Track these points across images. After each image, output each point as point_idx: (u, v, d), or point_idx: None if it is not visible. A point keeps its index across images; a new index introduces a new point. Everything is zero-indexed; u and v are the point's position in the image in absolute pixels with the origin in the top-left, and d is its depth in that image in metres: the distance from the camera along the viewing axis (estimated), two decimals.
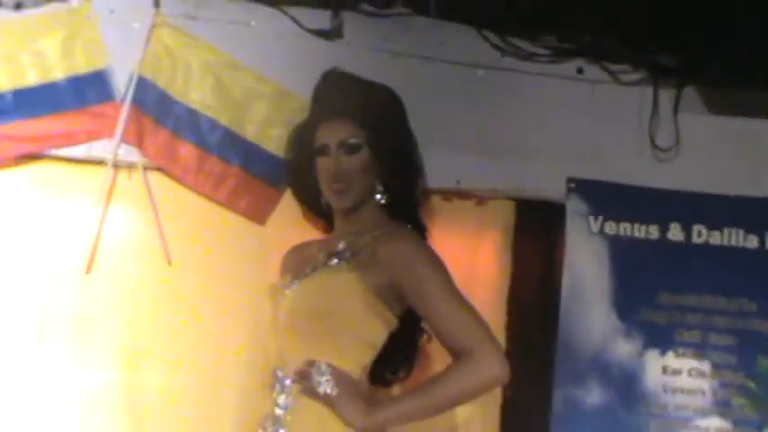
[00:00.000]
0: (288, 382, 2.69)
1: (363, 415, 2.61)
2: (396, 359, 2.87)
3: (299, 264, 2.84)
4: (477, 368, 2.59)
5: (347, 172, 2.76)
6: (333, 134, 2.78)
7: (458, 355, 2.63)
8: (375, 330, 2.70)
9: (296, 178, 3.00)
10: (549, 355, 3.30)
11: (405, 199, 2.85)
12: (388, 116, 2.85)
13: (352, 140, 2.76)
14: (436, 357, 2.81)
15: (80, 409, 3.04)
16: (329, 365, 2.63)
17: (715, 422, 3.28)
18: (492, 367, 2.59)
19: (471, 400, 2.73)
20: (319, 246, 2.87)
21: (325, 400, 2.62)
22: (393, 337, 2.77)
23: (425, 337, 2.87)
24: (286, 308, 2.74)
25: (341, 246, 2.75)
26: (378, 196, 2.81)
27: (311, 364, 2.64)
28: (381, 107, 2.85)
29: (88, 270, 3.05)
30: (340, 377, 2.63)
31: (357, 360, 2.70)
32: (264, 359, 2.82)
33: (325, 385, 2.61)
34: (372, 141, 2.78)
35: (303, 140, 2.90)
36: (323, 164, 2.79)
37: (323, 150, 2.79)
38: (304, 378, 2.64)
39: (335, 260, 2.73)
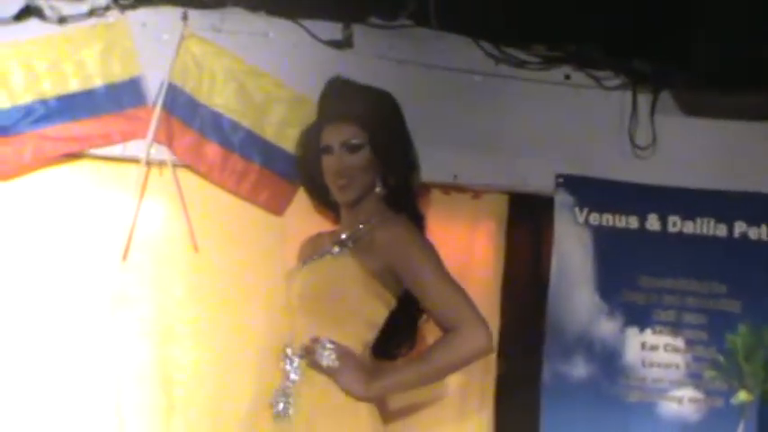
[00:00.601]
0: (296, 358, 2.82)
1: (363, 385, 2.77)
2: (398, 336, 3.00)
3: (311, 251, 3.00)
4: (464, 340, 2.74)
5: (349, 169, 2.89)
6: (336, 135, 2.91)
7: (447, 329, 2.77)
8: (375, 310, 2.85)
9: (306, 175, 3.12)
10: (539, 333, 3.41)
11: (402, 192, 2.97)
12: (386, 118, 2.97)
13: (354, 141, 2.89)
14: (436, 333, 2.87)
15: (117, 379, 3.11)
16: (332, 341, 2.77)
17: (689, 392, 3.42)
18: (476, 339, 2.75)
19: (460, 370, 2.86)
20: (329, 236, 3.02)
21: (328, 372, 2.77)
22: (395, 316, 2.90)
23: (425, 316, 2.96)
24: (296, 290, 2.89)
25: (344, 235, 2.90)
26: (377, 190, 2.93)
27: (316, 340, 2.78)
28: (380, 110, 2.97)
29: (124, 257, 3.13)
30: (342, 351, 2.78)
31: (359, 337, 2.84)
32: (277, 336, 2.92)
33: (328, 359, 2.77)
34: (372, 141, 2.90)
35: (311, 141, 3.03)
36: (327, 162, 2.92)
37: (327, 150, 2.92)
38: (309, 353, 2.79)
39: (337, 248, 2.87)
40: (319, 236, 3.10)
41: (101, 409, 3.12)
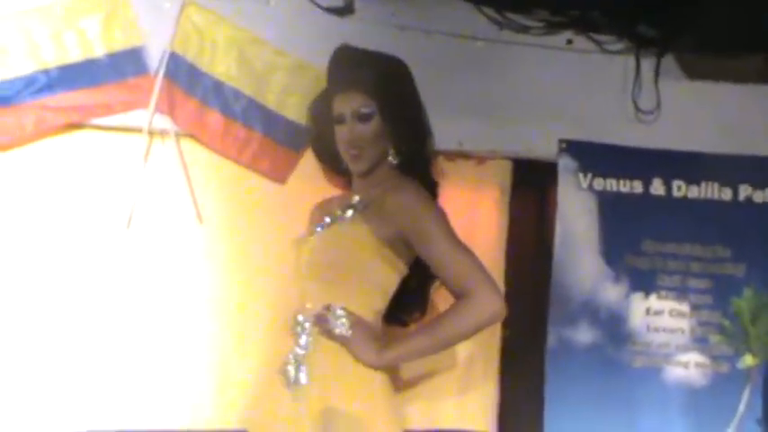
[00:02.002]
0: (308, 324, 2.78)
1: (375, 353, 2.73)
2: (409, 302, 2.97)
3: (321, 217, 2.95)
4: (477, 307, 2.69)
5: (361, 139, 2.86)
6: (347, 105, 2.87)
7: (459, 295, 2.72)
8: (385, 276, 2.81)
9: (318, 144, 3.09)
10: (543, 298, 3.39)
11: (415, 159, 2.93)
12: (396, 85, 2.92)
13: (364, 110, 2.85)
14: (448, 300, 2.83)
15: (121, 352, 3.08)
16: (344, 309, 2.74)
17: (694, 357, 3.39)
18: (490, 305, 2.70)
19: (472, 336, 2.80)
20: (339, 201, 2.97)
21: (341, 340, 2.73)
22: (407, 283, 2.87)
23: (437, 283, 2.93)
24: (306, 256, 2.84)
25: (355, 200, 2.86)
26: (390, 158, 2.89)
27: (328, 308, 2.74)
28: (390, 77, 2.92)
29: (128, 226, 3.10)
30: (354, 320, 2.74)
31: (370, 304, 2.81)
32: (287, 304, 2.88)
33: (341, 327, 2.73)
34: (383, 109, 2.86)
35: (322, 110, 2.99)
36: (340, 132, 2.89)
37: (339, 120, 2.89)
38: (322, 321, 2.75)
39: (349, 212, 2.83)
40: (330, 200, 3.06)
41: (105, 381, 3.07)
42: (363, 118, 2.84)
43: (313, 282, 2.81)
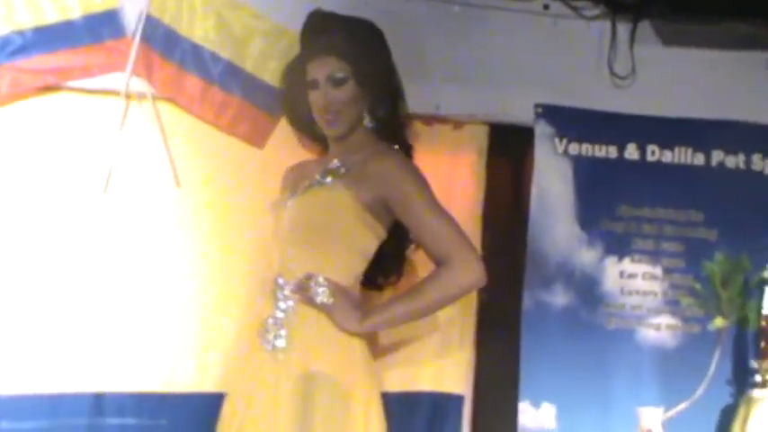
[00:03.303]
0: (287, 288, 2.76)
1: (356, 321, 2.73)
2: (387, 265, 2.96)
3: (297, 181, 2.92)
4: (457, 274, 2.70)
5: (335, 103, 2.83)
6: (320, 70, 2.84)
7: (439, 261, 2.72)
8: (366, 241, 2.79)
9: (291, 109, 3.05)
10: (519, 262, 3.36)
11: (390, 122, 2.91)
12: (369, 48, 2.89)
13: (338, 74, 2.82)
14: (424, 263, 2.85)
15: (97, 316, 3.03)
16: (325, 278, 2.72)
17: (666, 319, 3.40)
18: (470, 272, 2.71)
19: (453, 303, 2.82)
20: (315, 165, 2.95)
21: (322, 308, 2.72)
22: (384, 246, 2.85)
23: (413, 246, 2.94)
24: (286, 221, 2.81)
25: (334, 164, 2.84)
26: (365, 122, 2.87)
27: (309, 277, 2.72)
28: (362, 41, 2.88)
29: (105, 190, 3.05)
30: (335, 288, 2.73)
31: (350, 268, 2.79)
32: (266, 268, 2.86)
33: (322, 296, 2.72)
34: (357, 73, 2.83)
35: (296, 75, 2.95)
36: (314, 97, 2.86)
37: (313, 85, 2.85)
38: (303, 290, 2.73)
39: (329, 178, 2.81)
40: (304, 164, 3.03)
41: (80, 344, 3.02)
42: (337, 82, 2.81)
43: (293, 246, 2.78)
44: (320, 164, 2.93)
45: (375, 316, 2.76)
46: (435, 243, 2.73)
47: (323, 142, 3.01)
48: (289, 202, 2.85)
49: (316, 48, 2.87)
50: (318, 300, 2.72)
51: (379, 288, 3.01)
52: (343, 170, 2.81)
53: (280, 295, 2.77)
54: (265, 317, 2.78)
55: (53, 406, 3.01)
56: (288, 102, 3.05)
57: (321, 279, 2.72)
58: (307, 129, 3.03)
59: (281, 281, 2.78)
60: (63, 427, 3.03)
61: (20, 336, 2.99)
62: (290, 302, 2.75)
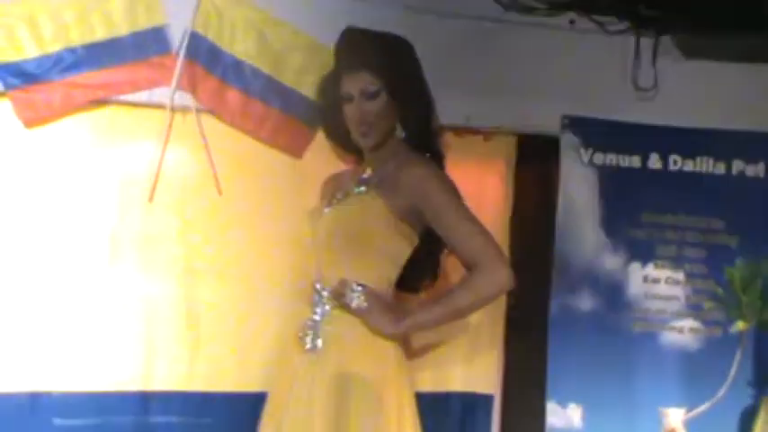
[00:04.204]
0: (325, 293, 2.82)
1: (391, 324, 2.77)
2: (421, 269, 2.98)
3: (334, 191, 2.97)
4: (487, 279, 2.74)
5: (369, 116, 2.86)
6: (354, 84, 2.88)
7: (470, 266, 2.76)
8: (398, 247, 2.84)
9: (328, 122, 3.10)
10: (547, 267, 3.42)
11: (422, 132, 2.94)
12: (400, 62, 2.93)
13: (371, 88, 2.85)
14: (458, 267, 2.86)
15: (145, 318, 3.12)
16: (359, 284, 2.77)
17: (688, 323, 3.44)
18: (499, 277, 2.74)
19: (483, 306, 2.84)
20: (351, 175, 3.00)
21: (358, 313, 2.77)
22: (418, 251, 2.88)
23: (446, 251, 2.96)
24: (323, 228, 2.86)
25: (368, 174, 2.89)
26: (397, 132, 2.90)
27: (344, 283, 2.77)
28: (394, 55, 2.92)
29: (151, 199, 3.11)
30: (369, 293, 2.77)
31: (384, 274, 2.84)
32: (304, 274, 2.90)
33: (357, 300, 2.76)
34: (388, 86, 2.86)
35: (330, 89, 3.00)
36: (349, 110, 2.90)
37: (347, 98, 2.89)
38: (338, 296, 2.78)
39: (363, 187, 2.86)
40: (342, 174, 3.09)
41: (129, 345, 3.10)
42: (370, 96, 2.85)
43: (329, 253, 2.84)
44: (355, 174, 2.98)
45: (408, 319, 2.79)
46: (466, 249, 2.77)
47: (358, 153, 3.04)
48: (325, 211, 2.90)
49: (349, 62, 2.92)
50: (354, 304, 2.76)
51: (416, 291, 3.05)
52: (376, 180, 2.86)
53: (317, 300, 2.83)
54: (305, 320, 2.84)
55: (101, 404, 3.09)
56: (324, 114, 3.10)
57: (354, 285, 2.77)
58: (342, 140, 3.06)
59: (318, 286, 2.83)
60: (111, 424, 3.10)
61: (70, 335, 3.06)
62: (327, 307, 2.81)
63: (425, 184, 2.79)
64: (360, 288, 2.77)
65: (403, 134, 2.91)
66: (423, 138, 2.94)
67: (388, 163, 2.88)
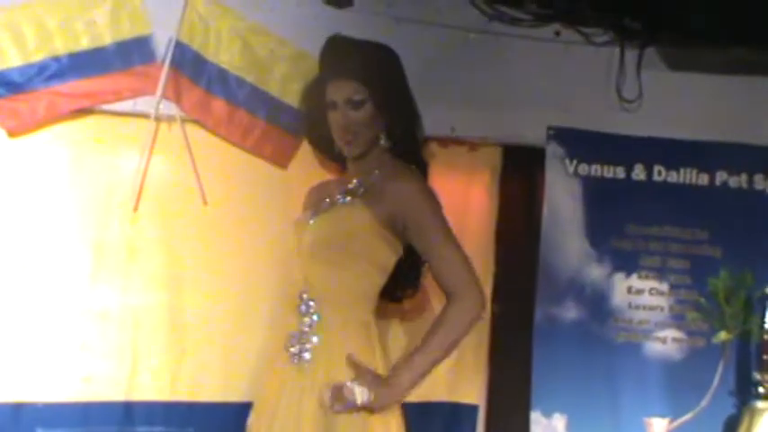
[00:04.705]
0: (312, 303, 2.78)
1: (397, 397, 2.74)
2: (404, 279, 2.97)
3: (318, 200, 2.94)
4: (464, 311, 2.74)
5: (354, 125, 2.84)
6: (339, 92, 2.85)
7: (445, 290, 2.76)
8: (385, 256, 2.81)
9: (311, 129, 3.07)
10: (531, 277, 3.40)
11: (406, 142, 2.92)
12: (385, 71, 2.91)
13: (356, 97, 2.83)
14: None
15: (129, 328, 3.09)
16: (354, 380, 2.70)
17: (672, 333, 3.44)
18: (475, 306, 2.75)
19: (465, 337, 2.80)
20: (336, 184, 2.97)
21: (369, 406, 2.70)
22: (401, 261, 2.86)
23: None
24: (309, 238, 2.83)
25: (353, 184, 2.86)
26: (382, 142, 2.88)
27: (340, 387, 2.69)
28: (379, 64, 2.90)
29: (135, 208, 3.09)
30: (365, 381, 2.70)
31: (370, 283, 2.81)
32: (289, 284, 2.87)
33: (361, 395, 2.69)
34: (373, 95, 2.84)
35: (314, 97, 2.97)
36: (333, 118, 2.87)
37: (332, 106, 2.87)
38: (339, 400, 2.69)
39: (349, 197, 2.83)
40: (325, 184, 3.07)
41: (113, 354, 3.08)
42: (356, 104, 2.83)
43: (315, 262, 2.81)
44: (340, 183, 2.96)
45: (405, 379, 2.73)
46: (443, 273, 2.77)
47: (341, 161, 3.02)
48: (310, 220, 2.88)
49: (334, 70, 2.90)
50: (361, 401, 2.69)
51: (398, 300, 3.04)
52: (362, 190, 2.84)
53: (304, 310, 2.79)
54: (291, 331, 2.80)
55: (85, 414, 3.07)
56: (308, 122, 3.08)
57: (349, 383, 2.70)
58: (326, 148, 3.05)
59: (304, 296, 2.79)
60: None
61: (54, 345, 3.04)
62: (315, 317, 2.77)
63: (411, 199, 2.78)
64: (358, 383, 2.70)
65: (387, 143, 2.88)
66: (407, 147, 2.93)
67: (372, 172, 2.85)
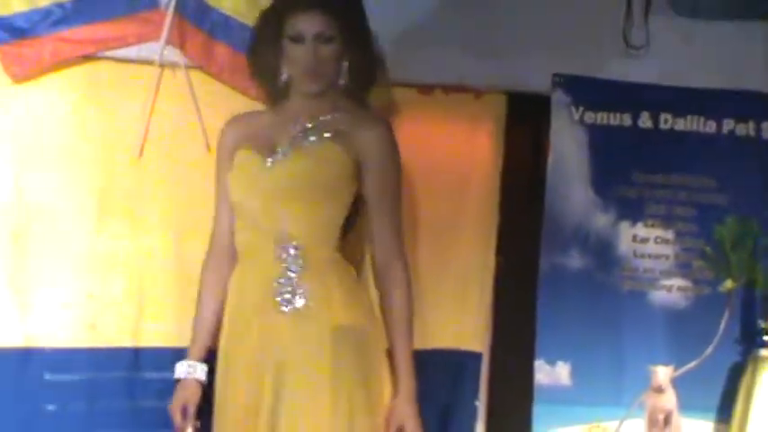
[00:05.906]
0: (292, 250, 2.73)
1: (414, 393, 2.81)
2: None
3: (264, 137, 2.83)
4: (403, 286, 2.81)
5: (322, 60, 2.76)
6: (308, 25, 2.75)
7: (376, 251, 2.81)
8: (351, 194, 2.79)
9: (258, 57, 2.92)
10: (536, 226, 3.36)
11: (365, 85, 2.88)
12: (356, 10, 2.85)
13: (328, 32, 2.75)
14: None
15: (135, 274, 3.09)
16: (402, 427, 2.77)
17: (677, 281, 3.39)
18: (407, 284, 2.82)
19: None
20: (281, 122, 2.84)
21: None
22: None
23: None
24: (281, 179, 2.75)
25: (315, 122, 2.79)
26: (341, 81, 2.82)
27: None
28: (350, 1, 2.85)
29: (140, 154, 3.08)
30: (406, 414, 2.79)
31: (339, 220, 2.78)
32: (220, 233, 2.89)
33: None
34: (344, 32, 2.77)
35: (272, 24, 2.85)
36: (298, 51, 2.77)
37: (298, 39, 2.77)
38: None
39: (316, 137, 2.77)
40: (254, 118, 2.95)
41: (119, 301, 3.09)
42: (326, 40, 2.76)
43: (289, 204, 2.73)
44: (287, 121, 2.84)
45: (405, 374, 2.80)
46: (379, 235, 2.80)
47: (275, 95, 2.92)
48: (268, 161, 2.78)
49: (304, 1, 2.78)
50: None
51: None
52: (330, 131, 2.78)
53: (285, 257, 2.73)
54: (276, 279, 2.73)
55: (92, 359, 3.07)
56: (256, 50, 2.93)
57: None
58: (269, 79, 2.91)
59: (282, 240, 2.72)
60: (101, 379, 3.08)
61: (60, 291, 3.05)
62: (301, 261, 2.72)
63: (381, 152, 2.79)
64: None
65: (344, 83, 2.82)
66: (363, 90, 2.89)
67: (327, 112, 2.80)
